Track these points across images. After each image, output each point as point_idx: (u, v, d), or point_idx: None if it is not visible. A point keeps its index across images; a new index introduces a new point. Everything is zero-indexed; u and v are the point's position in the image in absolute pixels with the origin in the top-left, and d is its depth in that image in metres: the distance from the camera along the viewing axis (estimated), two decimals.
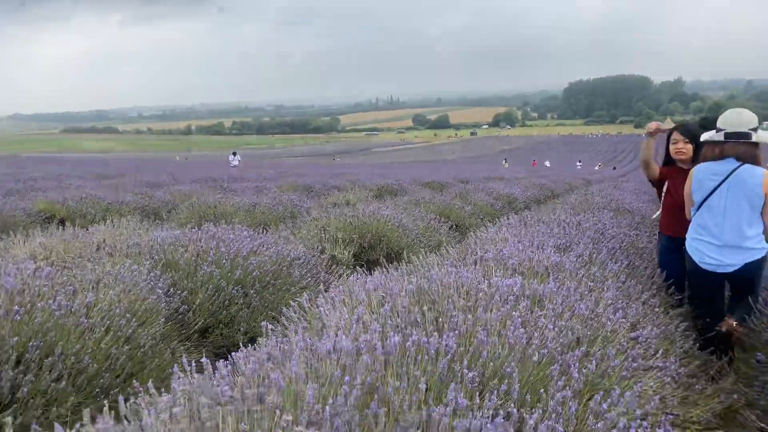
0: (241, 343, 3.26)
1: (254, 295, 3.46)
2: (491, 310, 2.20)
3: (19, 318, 2.33)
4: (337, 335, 1.91)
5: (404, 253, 5.64)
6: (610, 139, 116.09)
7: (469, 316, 2.12)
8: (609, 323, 2.34)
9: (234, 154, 26.88)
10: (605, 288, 2.97)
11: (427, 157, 76.40)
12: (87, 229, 5.73)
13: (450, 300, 2.37)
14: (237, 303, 3.38)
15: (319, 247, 5.35)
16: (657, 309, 3.03)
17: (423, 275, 2.75)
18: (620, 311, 2.47)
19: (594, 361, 1.93)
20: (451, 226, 7.72)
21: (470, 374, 1.67)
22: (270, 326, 2.21)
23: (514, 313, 2.18)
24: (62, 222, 7.24)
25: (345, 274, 4.94)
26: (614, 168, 45.11)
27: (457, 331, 1.97)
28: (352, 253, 5.37)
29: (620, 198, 8.23)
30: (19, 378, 2.13)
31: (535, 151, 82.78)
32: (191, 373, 1.77)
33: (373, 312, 2.45)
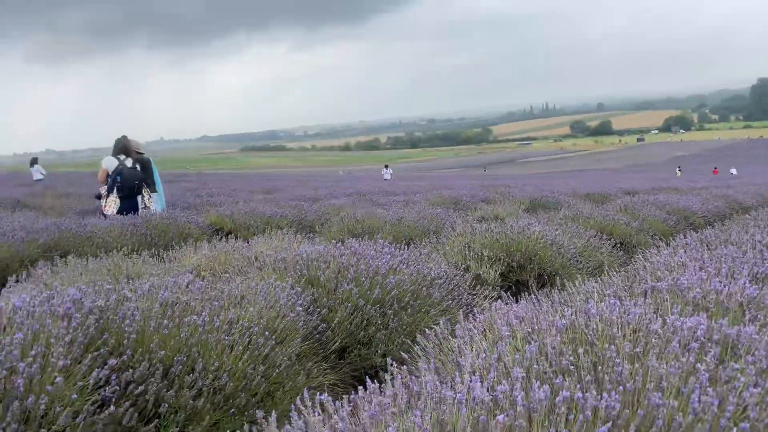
0: (377, 366, 3.14)
1: (392, 315, 3.31)
2: (667, 360, 1.77)
3: (167, 332, 2.42)
4: (471, 379, 1.65)
5: (558, 274, 5.15)
6: None
7: (637, 366, 1.72)
8: None
9: (386, 167, 27.71)
10: None
11: (586, 167, 71.79)
12: (248, 241, 6.14)
13: (613, 343, 1.97)
14: (375, 323, 3.27)
15: (463, 265, 5.09)
16: None
17: (579, 308, 2.36)
18: None
19: None
20: (615, 245, 6.94)
21: None
22: (394, 361, 2.01)
23: (699, 365, 1.73)
24: (228, 234, 7.90)
25: (490, 296, 4.63)
26: None
27: (621, 387, 1.59)
28: (498, 272, 5.01)
29: None
30: (162, 392, 2.19)
31: (716, 158, 73.43)
32: (312, 407, 1.64)
33: (517, 350, 2.14)
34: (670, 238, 5.99)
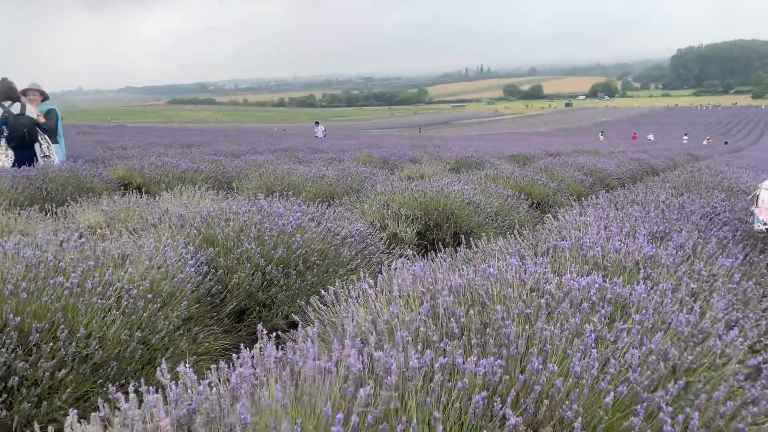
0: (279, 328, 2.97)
1: (296, 276, 3.15)
2: (557, 322, 1.71)
3: (26, 296, 2.14)
4: (351, 345, 1.51)
5: (474, 233, 5.15)
6: (722, 111, 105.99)
7: (527, 328, 1.64)
8: (719, 344, 1.77)
9: (317, 124, 27.04)
10: (714, 292, 2.35)
11: (517, 129, 73.55)
12: (155, 198, 5.74)
13: (505, 304, 1.89)
14: (277, 284, 3.09)
15: (381, 224, 4.98)
16: None
17: (478, 268, 2.28)
18: (735, 328, 1.87)
19: (696, 404, 1.40)
20: (532, 204, 7.07)
21: (513, 420, 1.22)
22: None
23: (586, 326, 1.68)
24: (138, 189, 7.40)
25: (405, 254, 4.55)
26: (726, 143, 40.99)
27: (506, 351, 1.50)
28: (415, 231, 4.94)
29: (733, 176, 7.15)
30: (13, 364, 1.93)
31: (636, 124, 77.23)
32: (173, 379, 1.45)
33: (412, 310, 2.04)
34: (586, 198, 6.15)
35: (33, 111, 7.08)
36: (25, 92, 7.25)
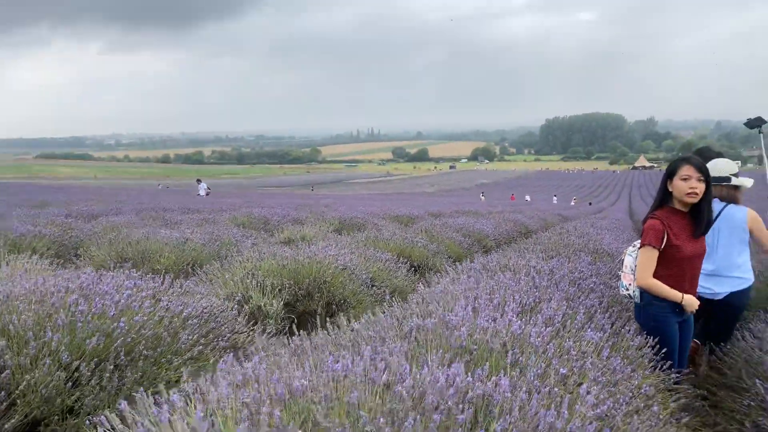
0: None
1: (113, 371, 2.55)
2: None
3: None
4: None
5: (348, 303, 4.79)
6: (585, 175, 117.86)
7: None
8: None
9: (199, 181, 25.80)
10: (584, 376, 2.15)
11: (405, 189, 75.97)
12: None
13: (348, 413, 1.52)
14: (88, 384, 2.47)
15: (243, 296, 4.46)
16: (654, 403, 2.22)
17: (321, 363, 1.90)
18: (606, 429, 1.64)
19: None
20: (412, 267, 6.90)
21: None
22: None
23: None
24: None
25: (269, 331, 4.07)
26: (590, 204, 45.08)
27: None
28: (283, 302, 4.48)
29: (598, 238, 7.52)
30: None
31: (513, 186, 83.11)
32: None
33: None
34: (465, 259, 6.08)
35: None
36: None
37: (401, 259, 6.59)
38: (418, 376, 1.75)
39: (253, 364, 1.90)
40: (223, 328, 3.32)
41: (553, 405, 1.74)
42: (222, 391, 1.69)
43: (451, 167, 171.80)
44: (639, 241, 3.11)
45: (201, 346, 2.95)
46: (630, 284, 3.14)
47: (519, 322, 2.53)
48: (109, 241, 6.13)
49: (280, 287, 4.57)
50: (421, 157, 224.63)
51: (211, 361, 2.93)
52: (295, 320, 4.63)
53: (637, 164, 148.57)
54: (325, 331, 2.65)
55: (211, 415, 1.67)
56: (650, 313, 3.07)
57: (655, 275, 2.99)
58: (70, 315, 2.66)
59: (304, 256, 4.91)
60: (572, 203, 45.83)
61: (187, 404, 1.73)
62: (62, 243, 6.76)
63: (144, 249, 5.96)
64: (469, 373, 1.83)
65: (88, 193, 21.67)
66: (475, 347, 2.26)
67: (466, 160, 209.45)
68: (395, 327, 2.54)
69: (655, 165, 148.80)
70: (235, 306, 4.35)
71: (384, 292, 5.16)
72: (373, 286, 5.27)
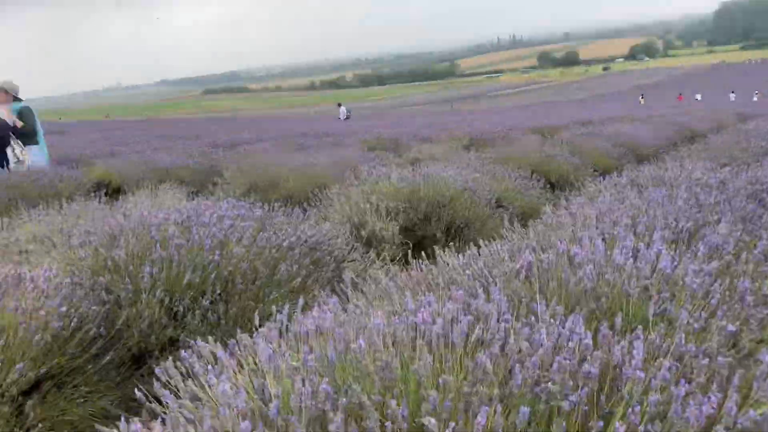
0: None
1: (212, 305, 2.47)
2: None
3: None
4: None
5: (471, 225, 4.37)
6: None
7: None
8: None
9: (339, 105, 26.29)
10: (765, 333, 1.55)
11: (551, 98, 70.83)
12: (117, 200, 5.20)
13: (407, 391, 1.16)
14: (185, 318, 2.43)
15: (359, 221, 4.26)
16: None
17: (401, 314, 1.55)
18: None
19: None
20: (549, 184, 6.21)
21: None
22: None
23: None
24: (117, 190, 6.89)
25: (385, 258, 3.83)
26: None
27: None
28: (398, 227, 4.19)
29: None
30: None
31: (680, 85, 73.28)
32: None
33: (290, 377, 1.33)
34: (613, 173, 5.26)
35: (3, 113, 6.62)
36: None
37: (536, 175, 5.93)
38: (512, 338, 1.32)
39: (331, 310, 1.62)
40: (327, 258, 3.11)
41: (715, 384, 1.22)
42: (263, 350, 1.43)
43: (604, 69, 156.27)
44: None
45: (300, 278, 2.77)
46: None
47: (670, 255, 1.93)
48: (239, 170, 6.29)
49: (396, 211, 4.28)
50: (570, 60, 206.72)
51: (313, 293, 2.76)
52: (414, 245, 4.35)
53: None
54: (421, 266, 2.29)
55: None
56: None
57: None
58: (166, 248, 2.60)
59: (420, 176, 4.53)
60: (755, 99, 39.19)
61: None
62: (205, 172, 7.13)
63: (271, 176, 6.03)
64: (589, 334, 1.35)
65: (240, 124, 23.20)
66: (608, 290, 1.74)
67: (622, 59, 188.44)
68: (504, 261, 2.09)
69: None
70: (349, 232, 4.18)
71: (513, 212, 4.64)
72: (500, 206, 4.77)
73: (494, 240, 2.91)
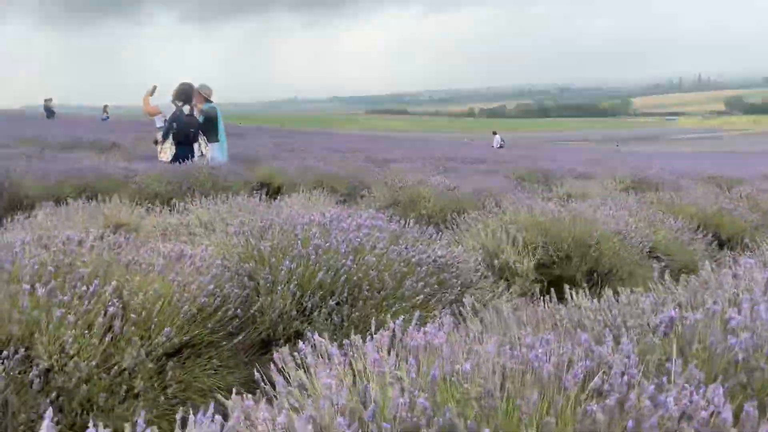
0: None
1: (337, 307, 2.59)
2: None
3: None
4: None
5: (615, 274, 4.05)
6: None
7: None
8: None
9: (494, 134, 26.09)
10: None
11: (740, 149, 63.13)
12: (275, 199, 5.68)
13: None
14: (312, 315, 2.57)
15: (493, 250, 4.16)
16: None
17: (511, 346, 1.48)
18: None
19: None
20: (718, 241, 5.53)
21: None
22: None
23: None
24: (278, 190, 7.53)
25: (514, 292, 3.70)
26: None
27: None
28: (534, 262, 4.02)
29: None
30: None
31: None
32: None
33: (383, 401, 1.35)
34: None
35: (196, 112, 7.61)
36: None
37: (703, 228, 5.32)
38: (634, 393, 1.19)
39: (444, 331, 1.61)
40: (453, 280, 3.09)
41: None
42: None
43: None
44: None
45: (423, 296, 2.78)
46: None
47: None
48: (384, 185, 6.52)
49: (534, 245, 4.12)
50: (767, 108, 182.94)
51: (433, 313, 2.76)
52: (548, 284, 4.14)
53: None
54: (549, 303, 2.17)
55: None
56: None
57: None
58: (306, 246, 2.78)
59: (566, 212, 4.31)
60: None
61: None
62: (353, 183, 7.52)
63: (412, 194, 6.17)
64: (728, 405, 1.17)
65: (395, 143, 24.09)
66: (764, 366, 1.50)
67: None
68: (645, 314, 1.90)
69: None
70: (482, 259, 4.11)
71: (673, 266, 4.20)
72: (654, 257, 4.35)
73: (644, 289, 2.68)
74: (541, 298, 2.58)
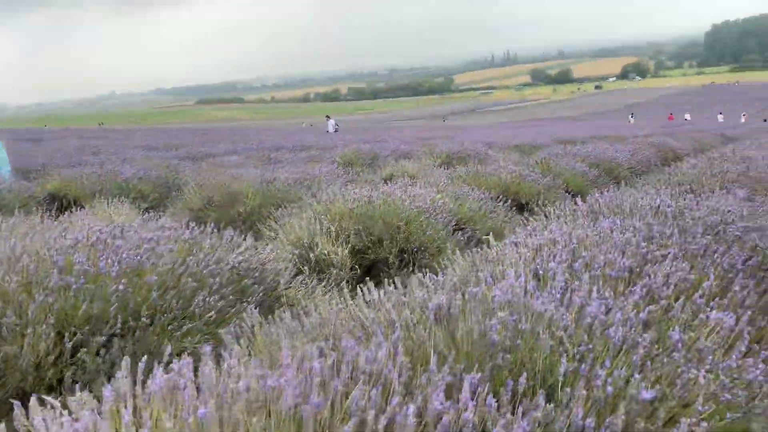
0: None
1: (105, 343, 2.24)
2: None
3: None
4: None
5: (426, 249, 4.17)
6: (760, 87, 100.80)
7: None
8: None
9: (328, 118, 26.11)
10: (691, 398, 1.34)
11: (542, 115, 71.15)
12: (57, 218, 4.94)
13: None
14: (73, 357, 2.19)
15: (308, 244, 4.04)
16: None
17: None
18: None
19: None
20: (519, 206, 6.03)
21: None
22: None
23: None
24: (74, 202, 6.63)
25: (324, 286, 3.60)
26: (765, 120, 38.46)
27: None
28: (348, 250, 3.98)
29: (762, 163, 5.92)
30: None
31: (670, 104, 73.94)
32: None
33: None
34: (589, 194, 5.08)
35: None
36: None
37: (505, 196, 5.75)
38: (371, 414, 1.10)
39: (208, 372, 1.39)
40: (254, 287, 2.88)
41: None
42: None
43: (596, 87, 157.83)
44: None
45: (215, 312, 2.54)
46: None
47: (600, 301, 1.73)
48: (197, 184, 6.06)
49: (347, 233, 4.07)
50: (563, 78, 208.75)
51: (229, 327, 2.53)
52: (368, 268, 4.14)
53: None
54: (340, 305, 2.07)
55: None
56: None
57: None
58: (70, 273, 2.37)
59: (377, 196, 4.33)
60: (742, 120, 39.51)
61: None
62: (164, 185, 6.89)
63: (232, 191, 5.81)
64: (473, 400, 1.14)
65: (222, 135, 22.94)
66: (520, 345, 1.53)
67: (614, 78, 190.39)
68: (418, 305, 1.87)
69: None
70: (298, 254, 3.97)
71: (471, 236, 4.44)
72: (460, 230, 4.57)
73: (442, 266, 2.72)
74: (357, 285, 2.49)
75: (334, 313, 2.10)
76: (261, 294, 2.87)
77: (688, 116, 47.33)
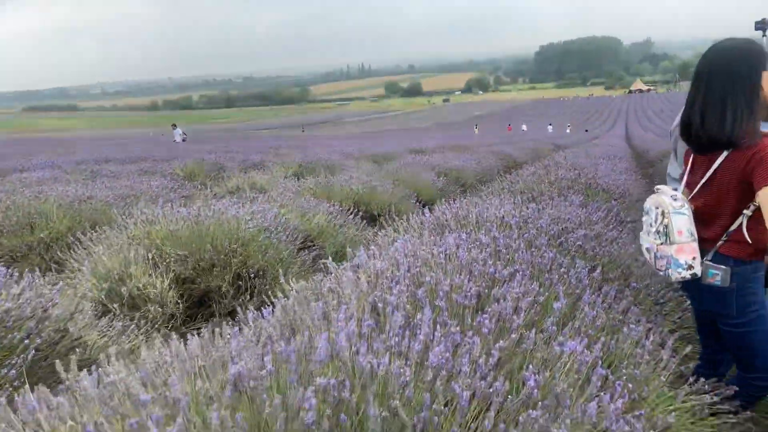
0: None
1: None
2: None
3: None
4: None
5: (264, 274, 3.69)
6: (581, 102, 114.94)
7: None
8: None
9: (174, 127, 24.25)
10: None
11: (397, 126, 73.72)
12: None
13: None
14: None
15: (119, 276, 3.36)
16: None
17: None
18: None
19: None
20: (371, 218, 5.80)
21: None
22: None
23: None
24: None
25: (134, 332, 2.97)
26: (586, 131, 43.59)
27: None
28: (171, 280, 3.37)
29: (592, 169, 6.36)
30: None
31: (509, 116, 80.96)
32: None
33: None
34: (439, 202, 4.98)
35: None
36: None
37: (357, 208, 5.48)
38: None
39: None
40: (29, 340, 2.21)
41: None
42: None
43: (444, 100, 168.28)
44: (696, 188, 1.91)
45: None
46: (694, 259, 1.86)
47: (445, 342, 1.43)
48: None
49: (168, 260, 3.46)
50: (415, 91, 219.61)
51: None
52: (199, 301, 3.56)
53: (633, 88, 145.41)
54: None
55: None
56: (750, 297, 1.88)
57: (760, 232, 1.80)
58: None
59: (207, 215, 3.77)
60: (567, 131, 44.34)
61: None
62: None
63: (33, 212, 4.81)
64: None
65: (49, 145, 20.33)
66: (343, 419, 1.16)
67: (460, 92, 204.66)
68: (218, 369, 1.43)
69: (652, 88, 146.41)
70: (104, 289, 3.28)
71: (318, 254, 4.06)
72: (306, 248, 4.17)
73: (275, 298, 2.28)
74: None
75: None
76: (35, 350, 2.20)
77: (524, 127, 52.04)
